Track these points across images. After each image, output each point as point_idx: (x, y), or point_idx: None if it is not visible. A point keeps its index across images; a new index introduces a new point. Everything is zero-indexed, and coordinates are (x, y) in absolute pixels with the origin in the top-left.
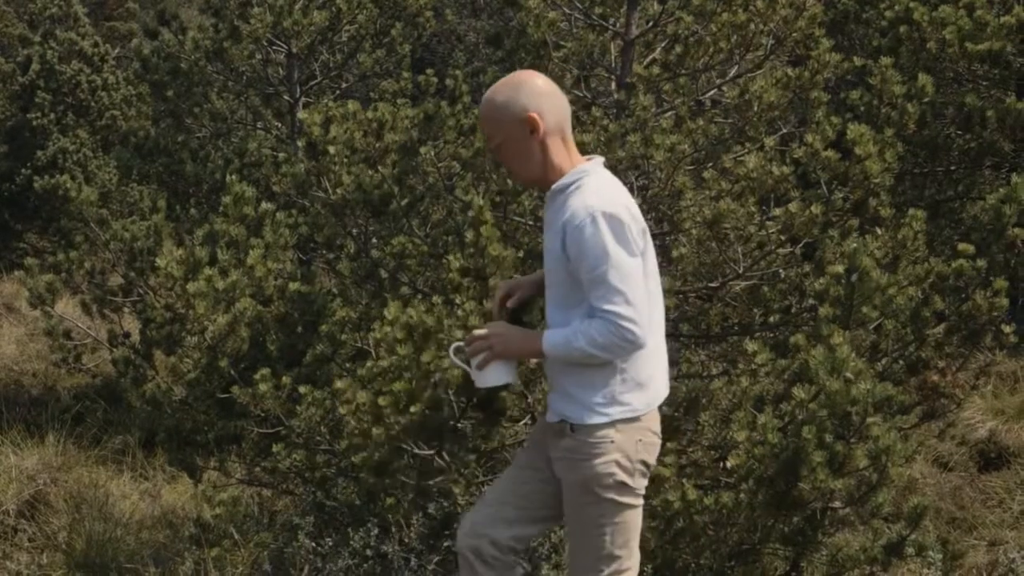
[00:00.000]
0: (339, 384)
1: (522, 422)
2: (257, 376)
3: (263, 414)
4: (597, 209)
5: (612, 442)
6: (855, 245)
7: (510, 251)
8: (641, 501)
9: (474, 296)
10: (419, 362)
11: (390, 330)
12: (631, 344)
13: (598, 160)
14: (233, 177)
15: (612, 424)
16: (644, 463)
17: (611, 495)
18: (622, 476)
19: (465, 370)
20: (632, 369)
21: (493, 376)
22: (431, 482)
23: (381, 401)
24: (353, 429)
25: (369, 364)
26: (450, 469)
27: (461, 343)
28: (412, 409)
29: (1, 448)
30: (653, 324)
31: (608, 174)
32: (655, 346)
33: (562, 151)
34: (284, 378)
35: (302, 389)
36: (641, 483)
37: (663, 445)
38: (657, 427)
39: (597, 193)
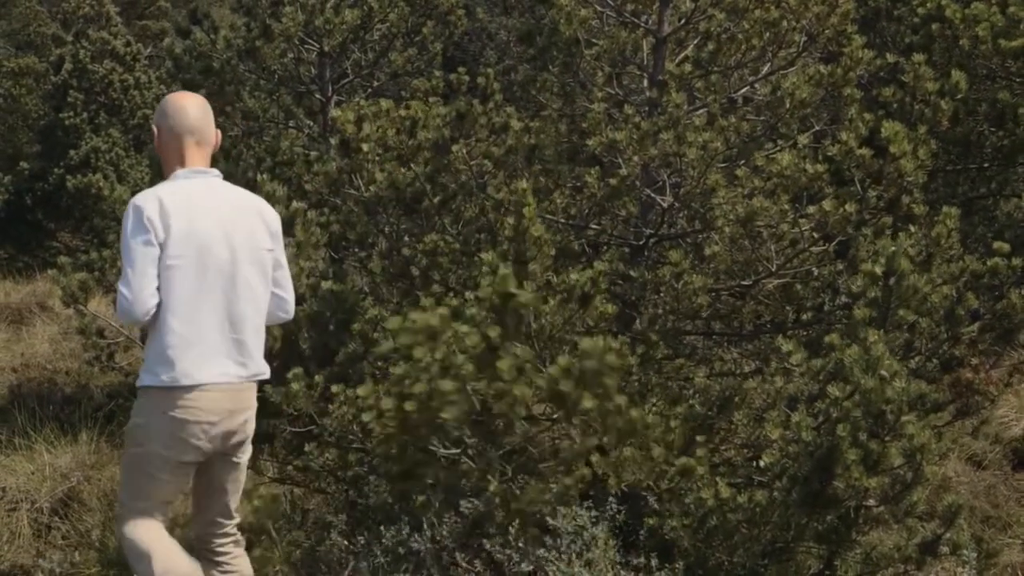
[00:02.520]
0: (361, 391)
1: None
2: (289, 375)
3: (295, 413)
4: (130, 203)
5: (141, 406)
6: (893, 248)
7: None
8: (157, 463)
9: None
10: (439, 362)
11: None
12: (123, 315)
13: (201, 171)
14: (265, 176)
15: (145, 390)
16: (172, 434)
17: (129, 448)
18: (138, 436)
19: None
20: (157, 345)
21: None
22: (462, 482)
23: (407, 406)
24: (379, 434)
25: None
26: (476, 467)
27: None
28: (442, 413)
29: (35, 446)
30: (200, 313)
31: (196, 181)
32: (190, 334)
33: (174, 161)
34: (316, 377)
35: (334, 388)
36: (157, 446)
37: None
38: (202, 405)
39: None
